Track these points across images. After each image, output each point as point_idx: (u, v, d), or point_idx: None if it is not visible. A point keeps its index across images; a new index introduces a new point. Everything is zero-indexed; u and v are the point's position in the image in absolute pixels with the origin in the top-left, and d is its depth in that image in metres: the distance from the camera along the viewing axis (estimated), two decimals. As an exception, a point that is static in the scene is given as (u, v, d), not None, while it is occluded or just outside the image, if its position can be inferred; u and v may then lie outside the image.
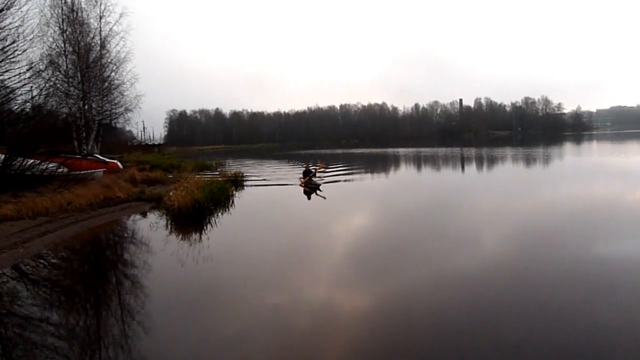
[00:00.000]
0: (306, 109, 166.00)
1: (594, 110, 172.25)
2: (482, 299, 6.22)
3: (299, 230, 12.02)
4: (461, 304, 6.14)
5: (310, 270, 8.17)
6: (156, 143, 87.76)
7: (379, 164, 35.26)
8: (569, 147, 50.54)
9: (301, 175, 21.77)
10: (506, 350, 4.80)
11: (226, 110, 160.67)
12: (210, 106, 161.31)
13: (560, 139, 79.08)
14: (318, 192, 18.44)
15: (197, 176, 21.39)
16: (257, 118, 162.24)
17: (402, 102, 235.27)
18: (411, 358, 4.78)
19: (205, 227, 12.14)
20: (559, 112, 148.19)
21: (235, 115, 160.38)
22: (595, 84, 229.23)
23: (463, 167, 31.11)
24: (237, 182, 22.19)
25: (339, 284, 7.21)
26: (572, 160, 33.21)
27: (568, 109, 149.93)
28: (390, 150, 61.07)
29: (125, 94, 29.02)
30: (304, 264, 8.56)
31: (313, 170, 21.92)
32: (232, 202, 16.21)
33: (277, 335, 5.38)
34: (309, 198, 17.04)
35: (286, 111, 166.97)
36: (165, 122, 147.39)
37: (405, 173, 27.90)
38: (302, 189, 19.81)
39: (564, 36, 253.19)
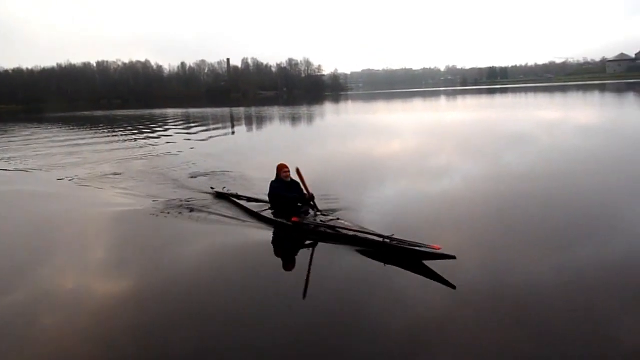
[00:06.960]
0: (55, 65, 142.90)
1: (348, 73, 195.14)
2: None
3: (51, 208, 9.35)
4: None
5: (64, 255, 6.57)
6: None
7: (140, 129, 31.60)
8: (329, 107, 55.15)
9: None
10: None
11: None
12: None
13: (322, 98, 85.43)
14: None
15: None
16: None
17: (167, 60, 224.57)
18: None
19: None
20: (319, 73, 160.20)
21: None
22: (349, 49, 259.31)
23: (233, 127, 30.35)
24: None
25: (96, 273, 5.85)
26: (333, 118, 35.82)
27: (327, 71, 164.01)
28: (157, 111, 56.32)
29: None
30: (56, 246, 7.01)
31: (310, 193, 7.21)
32: None
33: (22, 329, 4.37)
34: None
35: (30, 67, 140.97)
36: None
37: (173, 137, 24.99)
38: None
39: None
